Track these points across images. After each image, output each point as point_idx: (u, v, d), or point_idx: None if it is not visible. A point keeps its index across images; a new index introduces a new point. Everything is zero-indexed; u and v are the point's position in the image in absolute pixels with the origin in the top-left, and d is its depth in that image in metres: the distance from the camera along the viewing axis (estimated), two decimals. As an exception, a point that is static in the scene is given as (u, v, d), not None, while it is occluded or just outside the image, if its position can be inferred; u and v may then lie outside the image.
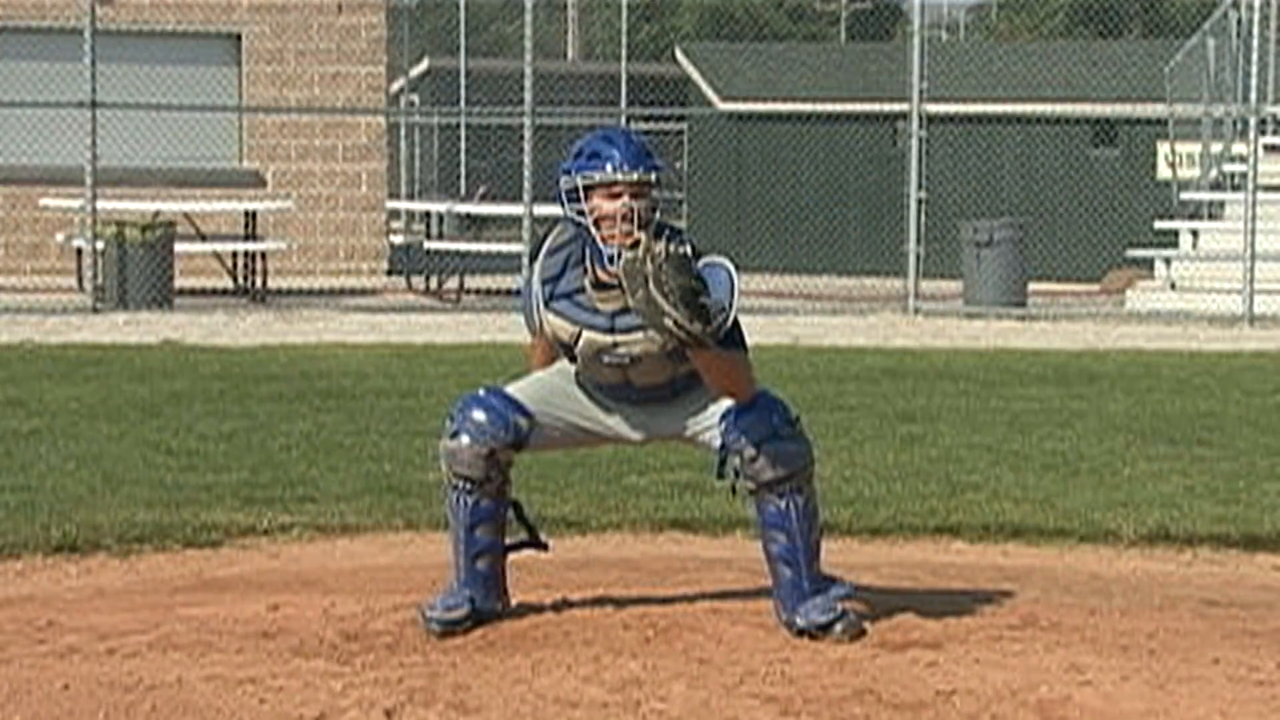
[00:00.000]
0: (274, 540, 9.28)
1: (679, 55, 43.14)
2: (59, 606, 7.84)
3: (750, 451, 6.98)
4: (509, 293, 23.66)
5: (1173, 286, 24.93)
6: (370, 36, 27.93)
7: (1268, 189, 24.43)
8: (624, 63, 36.43)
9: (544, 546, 7.76)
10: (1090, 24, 51.48)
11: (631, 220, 6.89)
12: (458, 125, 34.36)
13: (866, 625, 7.08)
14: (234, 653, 7.08)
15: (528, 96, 23.54)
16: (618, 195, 6.93)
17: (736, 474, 7.09)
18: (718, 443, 7.10)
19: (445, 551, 9.17)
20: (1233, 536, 9.68)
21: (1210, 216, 25.73)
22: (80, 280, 23.03)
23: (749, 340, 7.08)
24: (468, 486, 7.23)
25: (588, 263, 7.06)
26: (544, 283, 7.12)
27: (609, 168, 6.91)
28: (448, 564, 7.37)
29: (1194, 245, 25.45)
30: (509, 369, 16.30)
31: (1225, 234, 24.53)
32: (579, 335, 7.09)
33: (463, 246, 25.70)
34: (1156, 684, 6.73)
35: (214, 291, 23.30)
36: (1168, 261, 25.56)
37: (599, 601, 7.94)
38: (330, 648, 7.15)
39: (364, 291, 25.28)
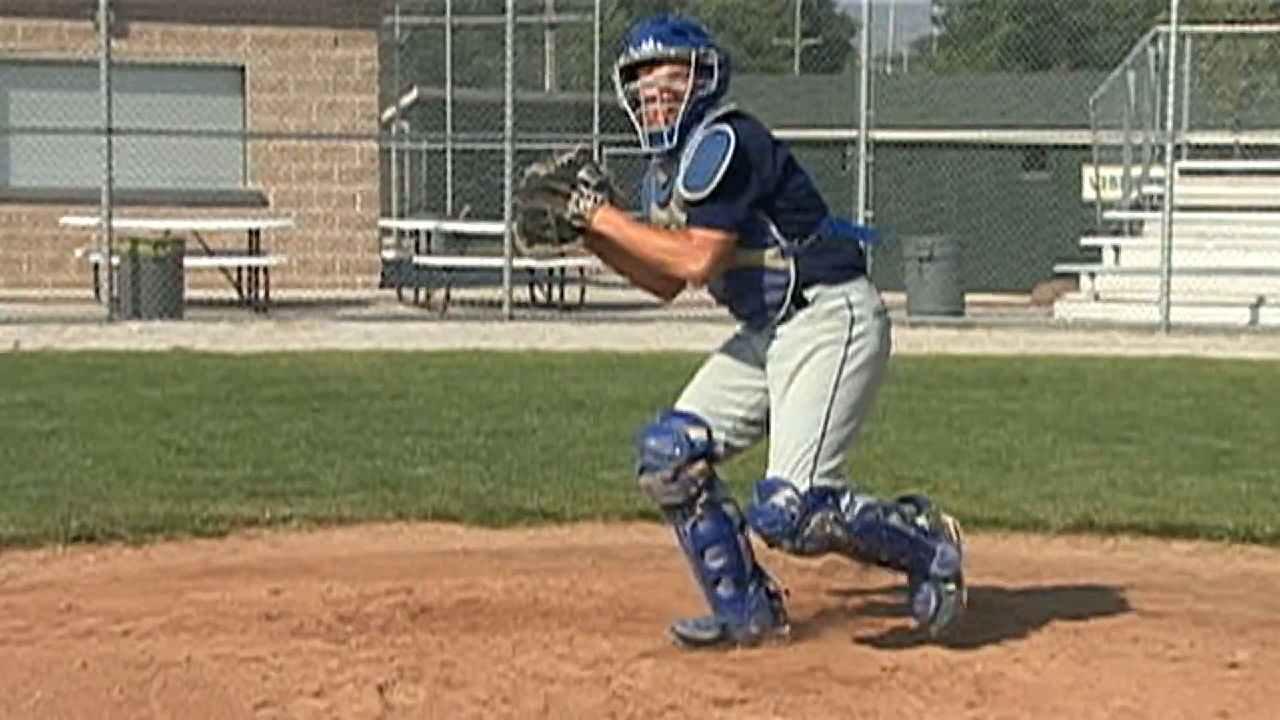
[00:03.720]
0: (275, 531, 9.27)
1: (647, 87, 43.09)
2: (78, 591, 7.84)
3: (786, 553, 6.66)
4: (491, 304, 23.67)
5: (1097, 298, 24.99)
6: (363, 68, 27.91)
7: (1183, 209, 24.51)
8: (597, 93, 36.38)
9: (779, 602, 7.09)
10: (1022, 58, 51.50)
11: (655, 100, 6.61)
12: (444, 150, 34.31)
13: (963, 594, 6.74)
14: (239, 634, 7.09)
15: (508, 124, 23.53)
16: (636, 77, 6.66)
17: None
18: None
19: (436, 541, 9.24)
20: (1150, 526, 9.70)
21: (1131, 234, 25.79)
22: (97, 292, 22.99)
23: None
24: (680, 515, 6.88)
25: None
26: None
27: (622, 56, 6.73)
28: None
29: (1116, 260, 25.51)
30: (490, 373, 16.44)
31: (1144, 250, 24.58)
32: (653, 217, 6.84)
33: (449, 261, 25.68)
34: (1081, 660, 6.75)
35: (220, 302, 23.27)
36: (1092, 275, 25.63)
37: (574, 586, 7.96)
38: (327, 629, 7.16)
39: (358, 302, 25.25)
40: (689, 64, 6.53)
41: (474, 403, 14.23)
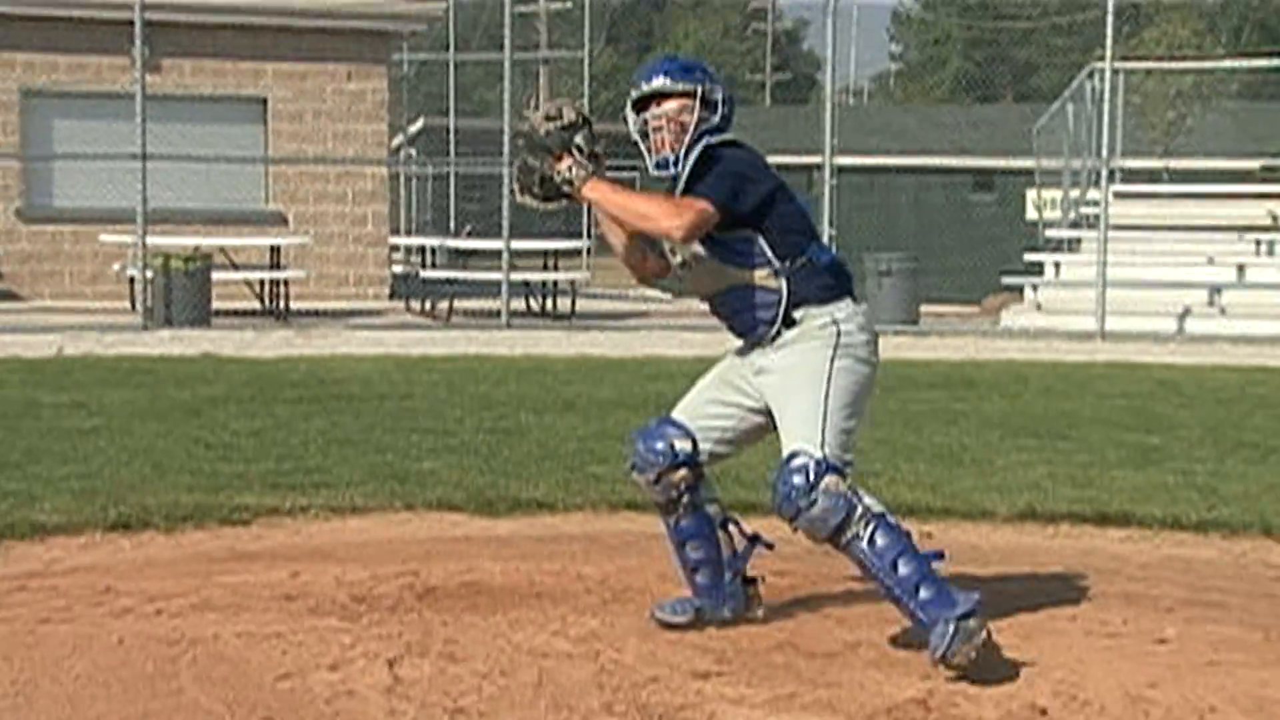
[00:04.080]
0: (295, 519, 9.26)
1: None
2: (115, 574, 7.83)
3: (791, 526, 6.39)
4: (491, 314, 23.65)
5: (1039, 308, 25.01)
6: (374, 100, 27.90)
7: (1117, 228, 24.54)
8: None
9: (769, 545, 7.00)
10: (971, 91, 51.67)
11: (662, 129, 6.57)
12: (447, 174, 34.33)
13: (986, 635, 6.13)
14: (261, 613, 7.09)
15: (505, 150, 23.53)
16: (647, 108, 6.62)
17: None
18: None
19: (441, 529, 9.23)
20: (1087, 515, 9.71)
21: (1070, 250, 25.82)
22: (133, 303, 22.96)
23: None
24: (664, 511, 6.87)
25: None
26: None
27: (635, 90, 6.69)
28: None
29: (1056, 274, 25.55)
30: (489, 376, 16.43)
31: (1082, 265, 24.61)
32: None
33: (451, 275, 25.64)
34: (1025, 636, 6.76)
35: (245, 312, 23.23)
36: (1035, 288, 25.65)
37: (565, 569, 7.97)
38: (341, 608, 7.17)
39: (369, 312, 25.21)
40: (695, 98, 6.51)
41: (475, 403, 14.22)
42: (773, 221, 6.41)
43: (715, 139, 6.55)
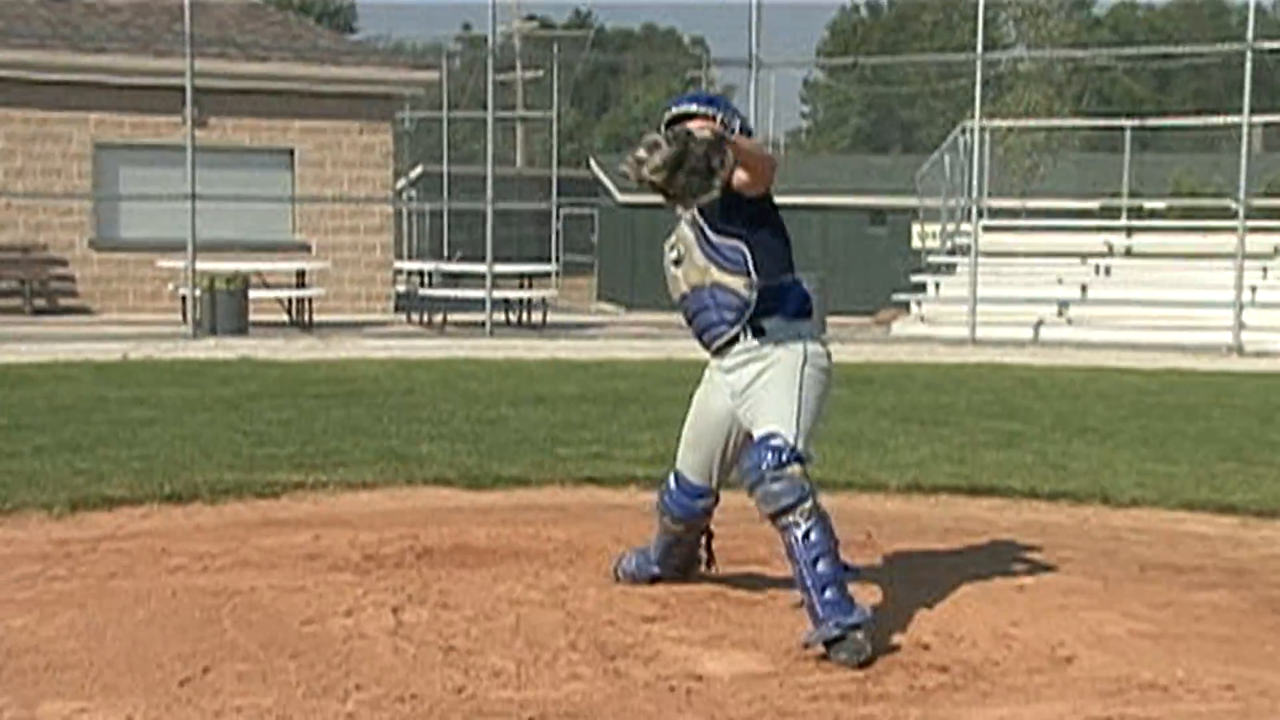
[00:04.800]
0: (316, 492, 9.23)
1: (592, 163, 43.18)
2: (169, 538, 7.80)
3: (748, 491, 6.03)
4: (477, 324, 23.62)
5: (922, 319, 25.10)
6: (382, 150, 27.87)
7: (985, 254, 24.68)
8: (555, 168, 36.38)
9: (710, 565, 6.88)
10: (867, 144, 51.87)
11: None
12: (441, 211, 34.26)
13: (869, 651, 5.76)
14: (289, 569, 7.08)
15: (488, 191, 23.54)
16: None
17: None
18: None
19: (436, 500, 9.20)
20: (962, 487, 9.75)
21: (947, 272, 25.92)
22: (184, 316, 22.88)
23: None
24: (673, 533, 6.72)
25: None
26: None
27: (667, 112, 6.40)
28: (650, 543, 6.88)
29: (937, 292, 25.64)
30: (476, 376, 16.41)
31: (957, 284, 24.72)
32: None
33: (445, 293, 25.61)
34: (910, 585, 6.78)
35: (276, 324, 23.18)
36: (919, 303, 25.74)
37: (538, 533, 7.96)
38: (354, 565, 7.15)
39: (377, 323, 25.17)
40: (714, 123, 6.21)
41: (463, 398, 14.20)
42: (761, 239, 6.17)
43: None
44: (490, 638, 5.99)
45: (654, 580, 6.83)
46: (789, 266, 6.34)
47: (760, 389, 6.15)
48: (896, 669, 5.71)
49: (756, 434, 6.10)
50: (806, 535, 5.91)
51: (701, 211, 6.16)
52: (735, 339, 6.19)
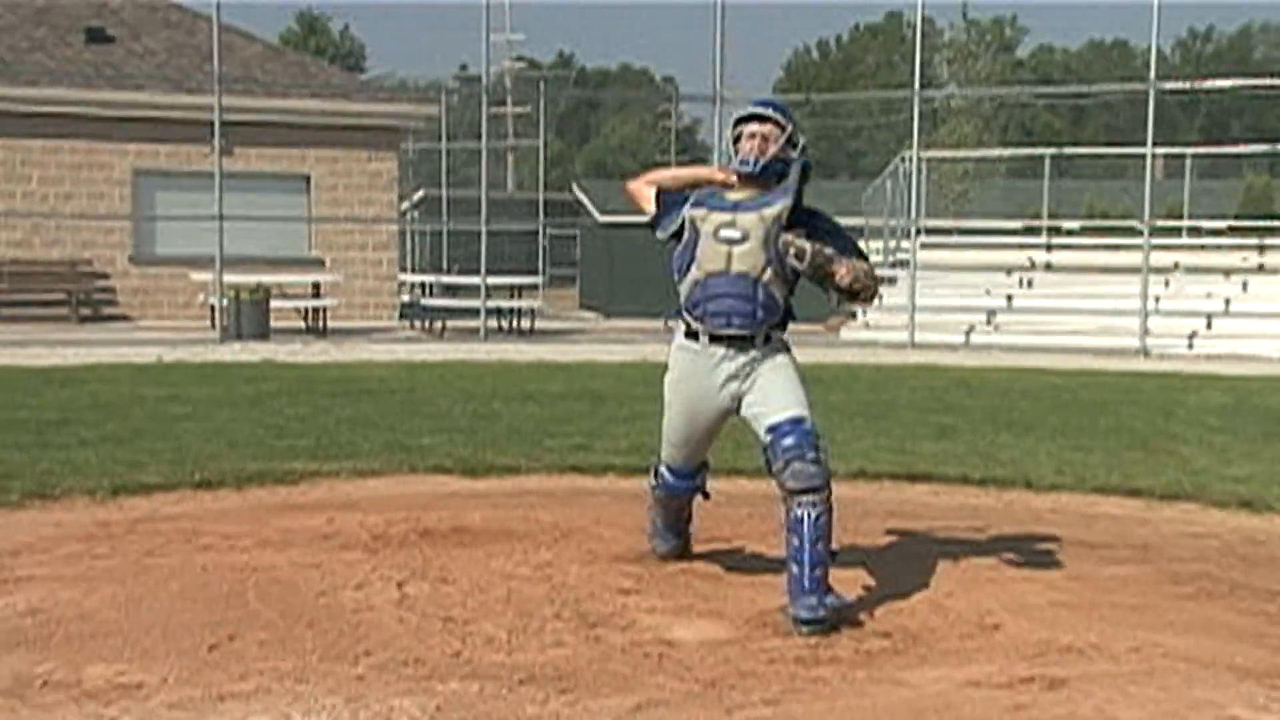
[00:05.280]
0: (330, 480, 9.20)
1: (575, 188, 43.17)
2: (200, 520, 7.77)
3: (780, 465, 5.82)
4: (472, 330, 23.60)
5: (867, 326, 25.10)
6: (388, 176, 27.83)
7: (923, 268, 24.72)
8: (541, 192, 36.33)
9: (707, 496, 6.71)
10: (819, 170, 52.06)
11: (755, 139, 6.04)
12: (440, 230, 34.21)
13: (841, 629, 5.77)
14: (305, 547, 7.05)
15: (483, 212, 23.52)
16: (749, 126, 6.06)
17: (772, 473, 5.90)
18: (764, 439, 5.93)
19: (436, 486, 9.17)
20: (902, 474, 9.75)
21: (889, 284, 25.91)
22: (212, 323, 22.81)
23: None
24: (678, 504, 6.62)
25: (730, 168, 6.11)
26: (693, 201, 6.11)
27: (748, 109, 6.17)
28: (654, 524, 6.81)
29: (880, 302, 25.58)
30: (471, 375, 16.37)
31: (898, 295, 24.72)
32: (707, 216, 6.04)
33: (444, 303, 25.56)
34: (856, 561, 6.78)
35: (293, 330, 23.12)
36: (864, 311, 25.75)
37: (527, 516, 7.93)
38: (363, 544, 7.12)
39: (384, 330, 25.12)
40: (784, 131, 6.06)
41: (460, 395, 14.18)
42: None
43: (799, 168, 6.10)
44: (484, 608, 5.97)
45: (683, 544, 6.79)
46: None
47: (773, 378, 6.03)
48: (845, 635, 5.71)
49: (781, 417, 5.92)
50: (819, 518, 5.85)
51: (781, 216, 5.98)
52: (753, 337, 6.05)
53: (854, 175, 51.52)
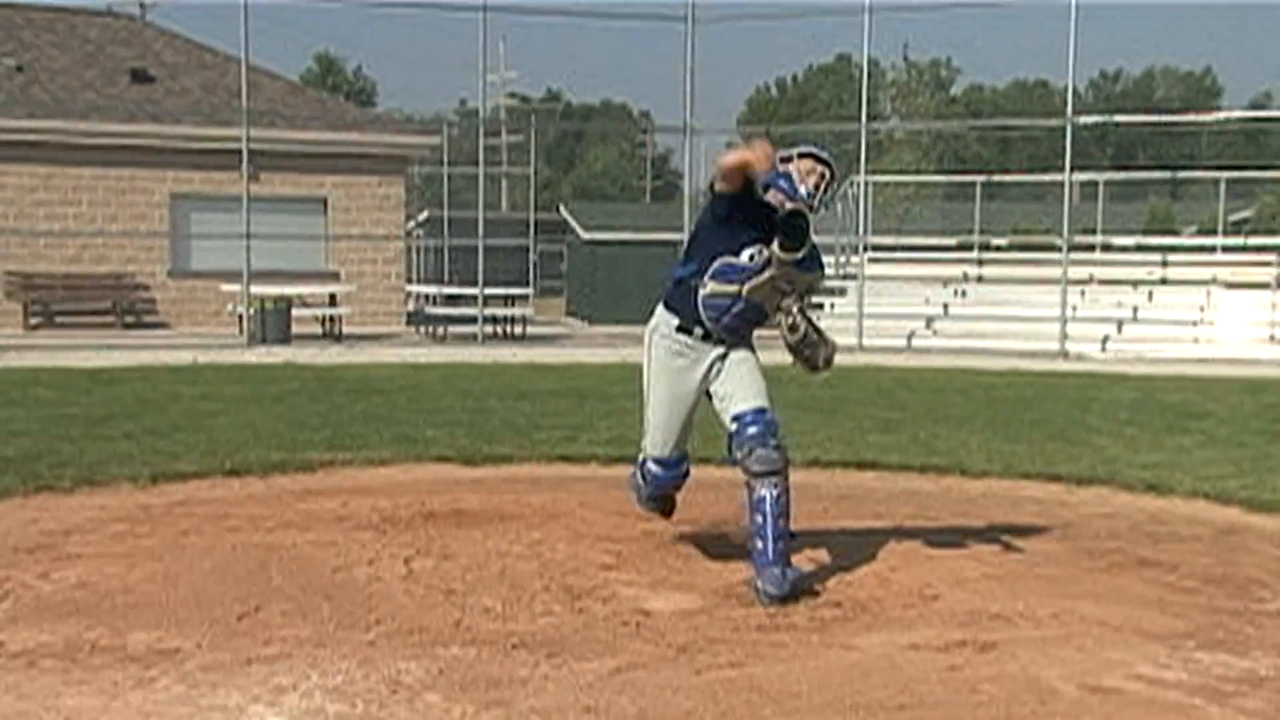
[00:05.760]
0: (344, 468, 9.17)
1: (562, 209, 43.06)
2: (229, 504, 7.75)
3: (745, 451, 5.83)
4: (471, 336, 23.55)
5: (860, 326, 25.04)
6: (396, 199, 27.76)
7: (870, 279, 24.75)
8: (532, 212, 36.39)
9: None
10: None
11: (818, 176, 5.84)
12: (442, 246, 34.13)
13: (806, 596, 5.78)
14: (323, 528, 7.03)
15: (480, 230, 23.46)
16: (811, 162, 5.81)
17: (734, 459, 5.90)
18: (730, 426, 5.93)
19: (438, 474, 9.14)
20: (851, 462, 9.76)
21: (840, 295, 25.91)
22: (240, 329, 22.71)
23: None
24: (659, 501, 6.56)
25: (787, 193, 5.75)
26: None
27: (812, 149, 5.87)
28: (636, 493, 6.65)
29: (832, 309, 25.57)
30: (470, 376, 16.34)
31: (848, 304, 24.72)
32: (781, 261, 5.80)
33: (445, 311, 25.55)
34: (811, 541, 6.78)
35: (312, 335, 23.05)
36: (818, 317, 25.74)
37: (519, 499, 7.92)
38: (374, 525, 7.11)
39: (392, 335, 25.04)
40: (833, 176, 5.92)
41: (460, 393, 14.15)
42: None
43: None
44: (481, 582, 5.96)
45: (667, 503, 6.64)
46: None
47: (740, 371, 6.00)
48: (801, 605, 5.72)
49: (746, 407, 5.92)
50: (779, 497, 5.85)
51: (783, 262, 5.84)
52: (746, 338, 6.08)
53: (808, 198, 51.58)
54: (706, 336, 6.01)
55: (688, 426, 6.24)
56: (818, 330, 6.10)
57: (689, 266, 5.99)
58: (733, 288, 5.88)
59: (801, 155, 5.90)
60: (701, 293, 5.90)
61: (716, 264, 5.88)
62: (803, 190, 5.79)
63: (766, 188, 5.75)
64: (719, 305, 5.91)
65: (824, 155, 5.94)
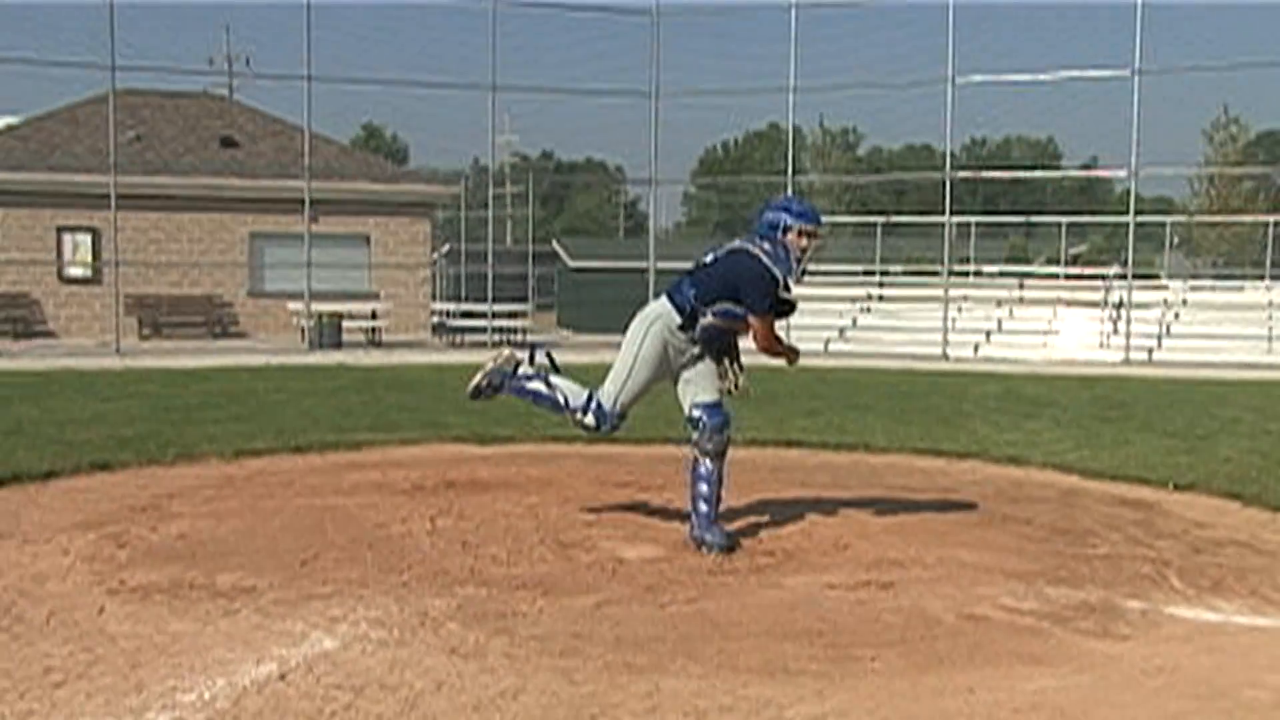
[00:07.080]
0: (383, 447, 9.11)
1: (554, 243, 42.93)
2: (294, 475, 7.69)
3: (705, 434, 5.78)
4: (485, 343, 23.46)
5: (789, 333, 24.98)
6: (424, 236, 27.62)
7: (797, 298, 24.64)
8: (531, 245, 36.26)
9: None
10: (723, 231, 52.09)
11: (812, 247, 5.80)
12: (459, 273, 33.99)
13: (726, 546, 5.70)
14: (366, 493, 6.99)
15: (489, 260, 23.44)
16: (808, 236, 5.82)
17: (692, 437, 5.82)
18: (689, 412, 5.85)
19: (457, 452, 9.07)
20: (782, 441, 9.70)
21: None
22: (302, 338, 22.60)
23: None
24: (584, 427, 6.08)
25: (782, 265, 5.82)
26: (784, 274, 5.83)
27: (812, 220, 5.84)
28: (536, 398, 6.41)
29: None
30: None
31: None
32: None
33: (461, 323, 25.40)
34: (752, 510, 6.77)
35: (358, 343, 22.95)
36: (787, 325, 25.70)
37: (520, 471, 7.90)
38: (407, 491, 7.06)
39: (420, 343, 24.92)
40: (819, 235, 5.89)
41: (477, 387, 14.09)
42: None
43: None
44: (490, 536, 5.94)
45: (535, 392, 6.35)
46: None
47: (703, 368, 5.91)
48: (742, 553, 5.72)
49: (705, 398, 5.85)
50: (710, 466, 5.83)
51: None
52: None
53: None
54: (693, 340, 5.98)
55: (644, 395, 6.02)
56: (742, 373, 6.07)
57: (701, 292, 5.87)
58: (726, 325, 5.91)
59: (805, 231, 5.79)
60: (702, 320, 5.88)
61: (721, 306, 5.86)
62: (798, 270, 5.88)
63: (775, 280, 5.83)
64: (712, 330, 5.91)
65: (821, 222, 5.91)
